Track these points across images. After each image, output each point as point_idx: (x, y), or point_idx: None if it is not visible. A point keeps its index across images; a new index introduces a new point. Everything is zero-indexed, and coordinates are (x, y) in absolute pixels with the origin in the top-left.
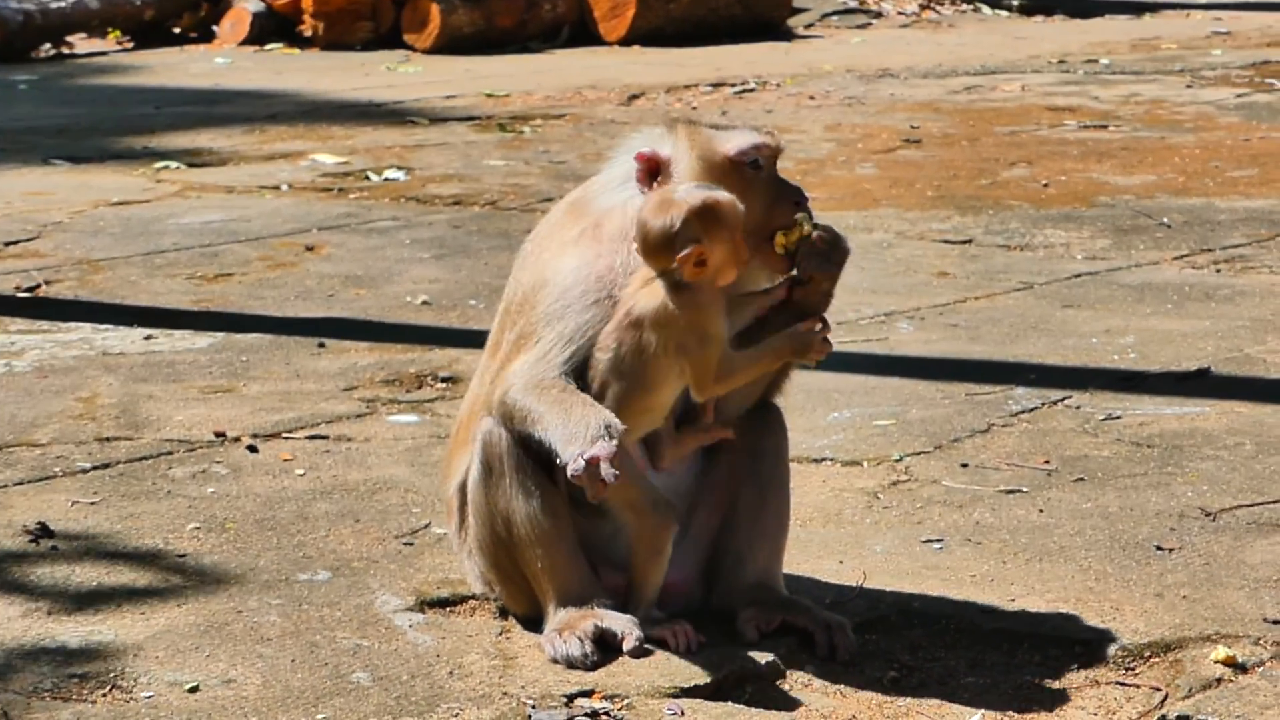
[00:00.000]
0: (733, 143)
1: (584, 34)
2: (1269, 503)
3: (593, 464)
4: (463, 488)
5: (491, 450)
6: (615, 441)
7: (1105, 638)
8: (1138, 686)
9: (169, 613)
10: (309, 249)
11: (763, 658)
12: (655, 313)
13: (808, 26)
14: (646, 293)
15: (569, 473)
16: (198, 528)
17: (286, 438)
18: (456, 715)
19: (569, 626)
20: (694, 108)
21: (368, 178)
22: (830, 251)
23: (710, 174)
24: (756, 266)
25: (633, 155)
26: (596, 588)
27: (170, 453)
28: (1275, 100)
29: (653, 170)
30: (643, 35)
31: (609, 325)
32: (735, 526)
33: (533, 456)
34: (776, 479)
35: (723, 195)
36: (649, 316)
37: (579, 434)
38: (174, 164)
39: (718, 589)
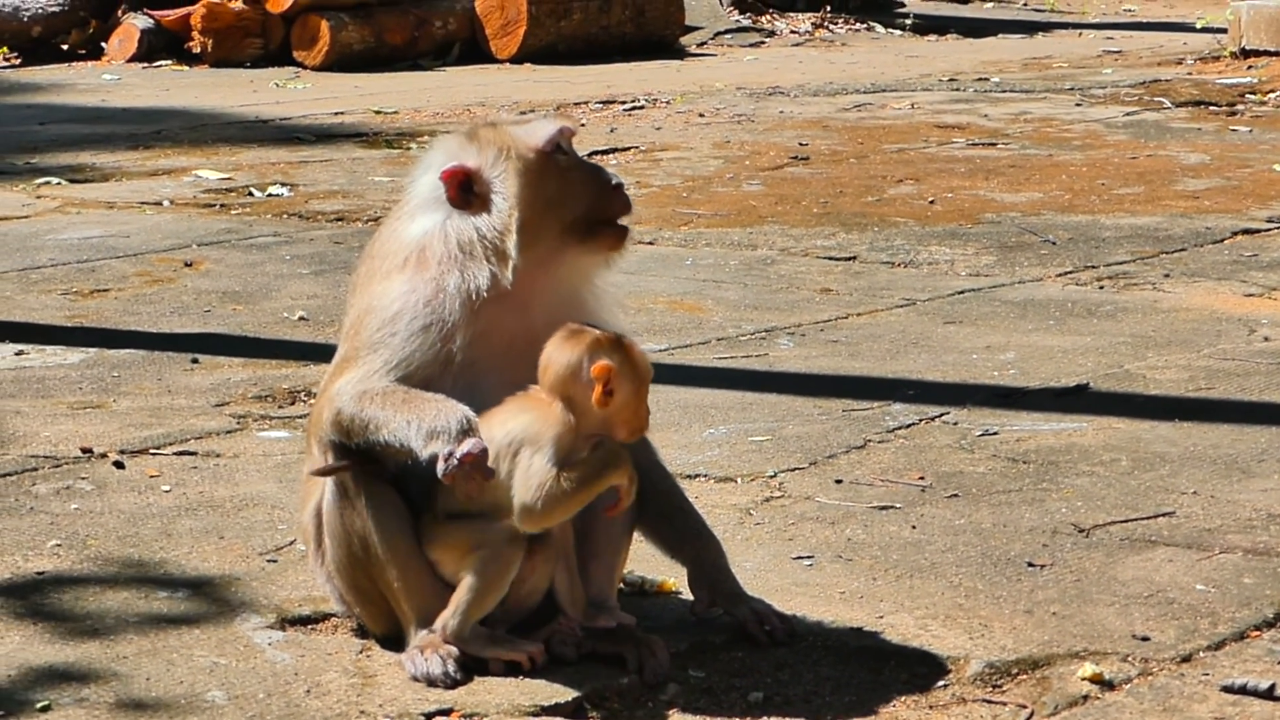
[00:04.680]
0: (537, 135)
1: (475, 51)
2: (1142, 519)
3: (466, 461)
4: (318, 512)
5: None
6: (480, 439)
7: (973, 655)
8: (1004, 704)
9: (23, 630)
10: (188, 265)
11: (625, 676)
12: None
13: (700, 45)
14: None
15: (440, 472)
16: (58, 545)
17: (154, 454)
18: None
19: (431, 645)
20: (583, 125)
21: (251, 194)
22: None
23: (528, 174)
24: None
25: (437, 173)
26: None
27: (35, 469)
28: (1163, 119)
29: (463, 184)
30: (534, 53)
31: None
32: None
33: (385, 475)
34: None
35: (633, 342)
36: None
37: (440, 430)
38: (56, 180)
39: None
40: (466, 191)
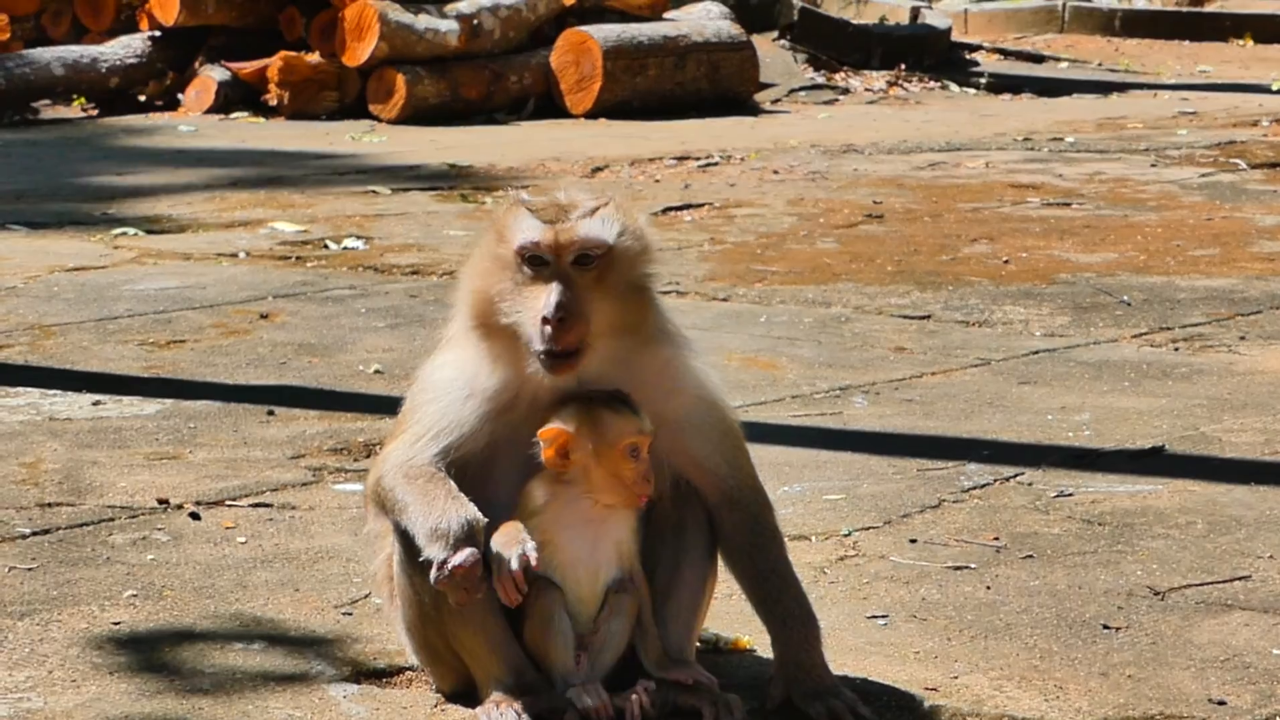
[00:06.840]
0: (521, 235)
1: (550, 106)
2: (1218, 582)
3: (457, 573)
4: (390, 567)
5: None
6: (476, 550)
7: (1048, 717)
8: None
9: (100, 681)
10: (263, 317)
11: None
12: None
13: (775, 102)
14: None
15: (431, 579)
16: (135, 595)
17: (230, 505)
18: None
19: (506, 700)
20: (657, 180)
21: (326, 246)
22: None
23: (499, 260)
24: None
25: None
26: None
27: (112, 519)
28: (1239, 180)
29: None
30: (609, 108)
31: None
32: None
33: None
34: (693, 552)
35: (614, 408)
36: None
37: (441, 534)
38: (132, 230)
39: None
40: None
